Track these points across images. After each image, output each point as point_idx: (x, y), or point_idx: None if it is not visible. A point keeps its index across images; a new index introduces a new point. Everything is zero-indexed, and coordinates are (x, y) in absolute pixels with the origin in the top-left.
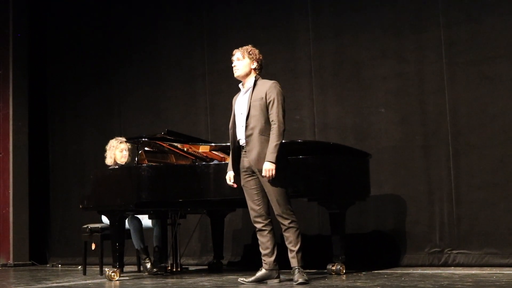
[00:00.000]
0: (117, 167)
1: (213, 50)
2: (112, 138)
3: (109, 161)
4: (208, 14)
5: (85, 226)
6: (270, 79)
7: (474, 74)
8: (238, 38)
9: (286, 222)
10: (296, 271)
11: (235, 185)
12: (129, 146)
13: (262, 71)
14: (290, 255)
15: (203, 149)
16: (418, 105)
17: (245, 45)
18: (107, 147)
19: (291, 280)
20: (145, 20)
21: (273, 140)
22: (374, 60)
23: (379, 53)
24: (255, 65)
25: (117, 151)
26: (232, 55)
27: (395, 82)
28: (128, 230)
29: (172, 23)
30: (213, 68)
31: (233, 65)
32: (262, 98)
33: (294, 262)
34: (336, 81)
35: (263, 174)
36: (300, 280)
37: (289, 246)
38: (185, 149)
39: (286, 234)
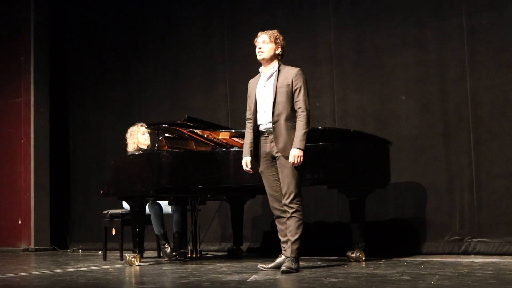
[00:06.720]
0: (140, 152)
1: (233, 38)
2: (132, 126)
3: (131, 147)
4: (228, 2)
5: (106, 211)
6: (290, 66)
7: (495, 62)
8: (258, 25)
9: (291, 211)
10: (287, 260)
11: (251, 171)
12: (149, 131)
13: (284, 58)
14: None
15: (223, 135)
16: (439, 93)
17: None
18: (128, 135)
19: (308, 267)
20: (165, 7)
21: (302, 127)
22: (395, 47)
23: (400, 41)
24: (279, 50)
25: (139, 135)
26: (256, 37)
27: (416, 70)
28: (148, 215)
29: (192, 10)
30: (233, 55)
31: (258, 47)
32: (289, 85)
33: (287, 252)
34: (357, 68)
35: (291, 160)
36: (284, 268)
37: (288, 234)
38: (205, 135)
39: (287, 222)
